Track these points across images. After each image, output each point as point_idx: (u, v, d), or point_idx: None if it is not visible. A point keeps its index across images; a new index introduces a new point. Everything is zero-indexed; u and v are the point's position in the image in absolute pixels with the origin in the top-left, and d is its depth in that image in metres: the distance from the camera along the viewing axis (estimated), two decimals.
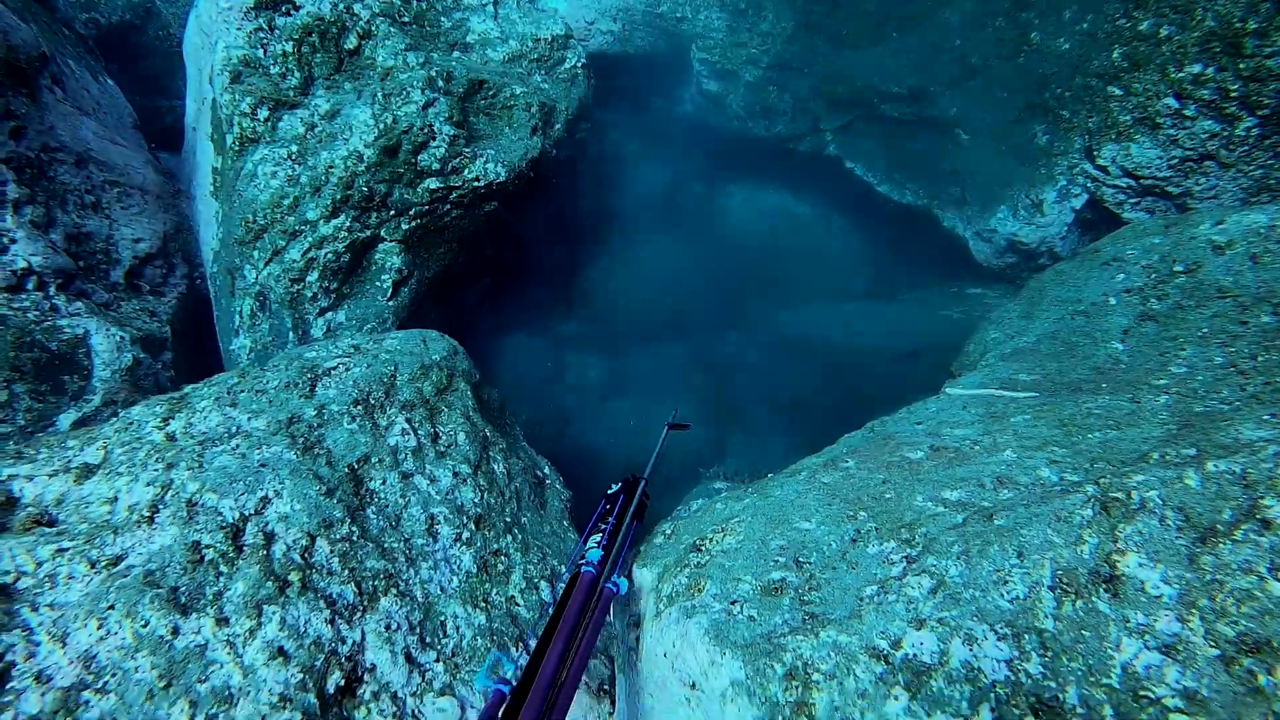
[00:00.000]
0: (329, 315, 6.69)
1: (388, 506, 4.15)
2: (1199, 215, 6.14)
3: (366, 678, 3.60)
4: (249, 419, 4.18)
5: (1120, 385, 4.59)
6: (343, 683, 3.51)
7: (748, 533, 3.41)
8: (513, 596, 4.39)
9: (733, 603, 3.12)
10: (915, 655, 2.73)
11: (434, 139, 6.81)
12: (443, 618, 3.98)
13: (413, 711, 3.66)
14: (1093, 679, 2.62)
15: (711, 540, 3.47)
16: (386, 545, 3.99)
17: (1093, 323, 5.62)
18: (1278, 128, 7.31)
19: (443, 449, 4.59)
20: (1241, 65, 7.07)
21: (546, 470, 5.44)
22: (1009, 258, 8.24)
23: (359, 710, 3.53)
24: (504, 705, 2.56)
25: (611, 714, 4.11)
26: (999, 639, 2.69)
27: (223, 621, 3.38)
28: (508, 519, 4.59)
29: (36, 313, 7.12)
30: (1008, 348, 5.61)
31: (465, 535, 4.30)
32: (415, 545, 4.11)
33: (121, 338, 7.39)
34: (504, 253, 8.54)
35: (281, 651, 3.39)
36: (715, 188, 10.26)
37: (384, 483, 4.21)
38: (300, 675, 3.38)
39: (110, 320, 7.70)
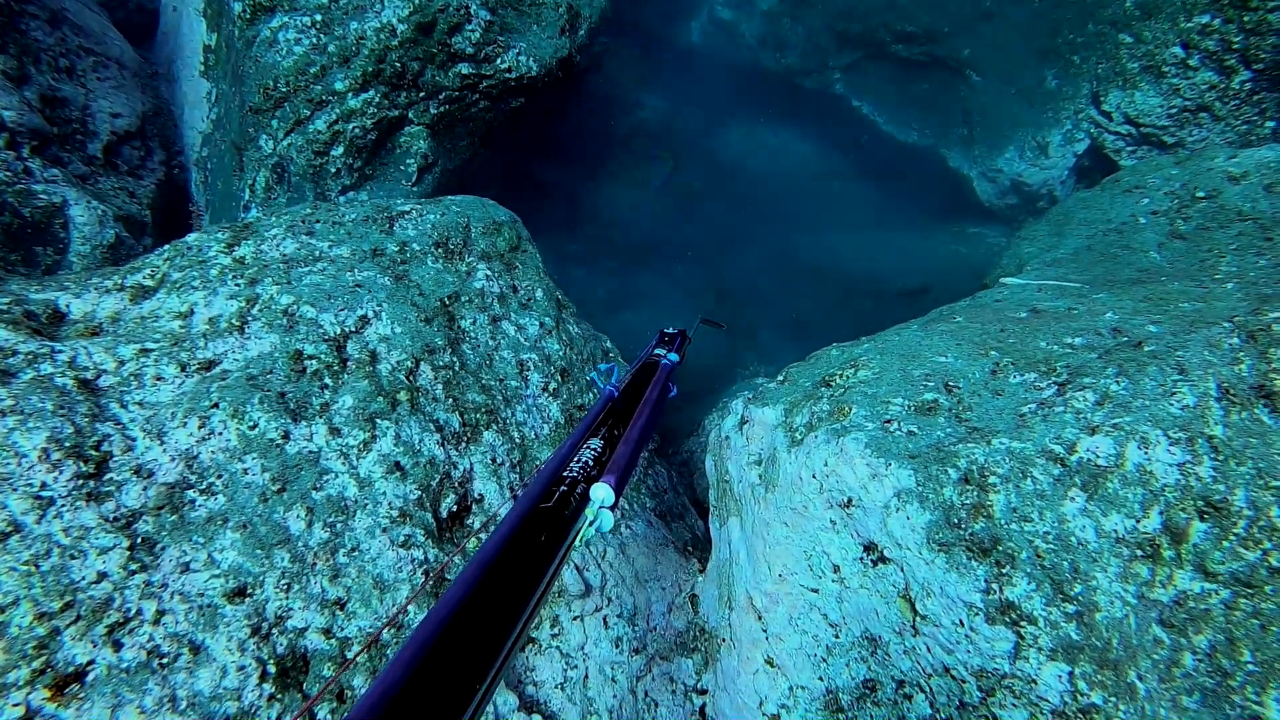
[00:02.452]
0: (350, 195, 6.33)
1: (480, 346, 3.96)
2: (1211, 150, 6.43)
3: (475, 508, 3.43)
4: (330, 246, 3.91)
5: (1179, 277, 4.77)
6: (455, 508, 3.34)
7: (882, 366, 3.38)
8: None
9: (887, 421, 3.09)
10: (1091, 459, 2.76)
11: (469, 21, 6.51)
12: (538, 461, 3.83)
13: None
14: (1261, 482, 2.70)
15: (843, 375, 3.43)
16: (485, 382, 3.81)
17: (1126, 238, 5.83)
18: (1267, 84, 7.71)
19: (524, 300, 4.41)
20: (1246, 18, 7.42)
21: (609, 344, 5.31)
22: (1011, 198, 8.48)
23: (470, 540, 3.36)
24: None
25: (702, 571, 4.05)
26: (1172, 443, 2.74)
27: (335, 431, 3.15)
28: (587, 378, 4.44)
29: (8, 173, 6.51)
30: (1047, 258, 5.77)
31: (552, 386, 4.15)
32: (510, 387, 3.94)
33: (104, 212, 6.84)
34: (519, 160, 8.28)
35: (399, 467, 3.19)
36: (722, 118, 10.20)
37: (474, 323, 4.01)
38: (418, 492, 3.19)
39: (90, 193, 7.11)
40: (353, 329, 3.46)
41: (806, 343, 7.63)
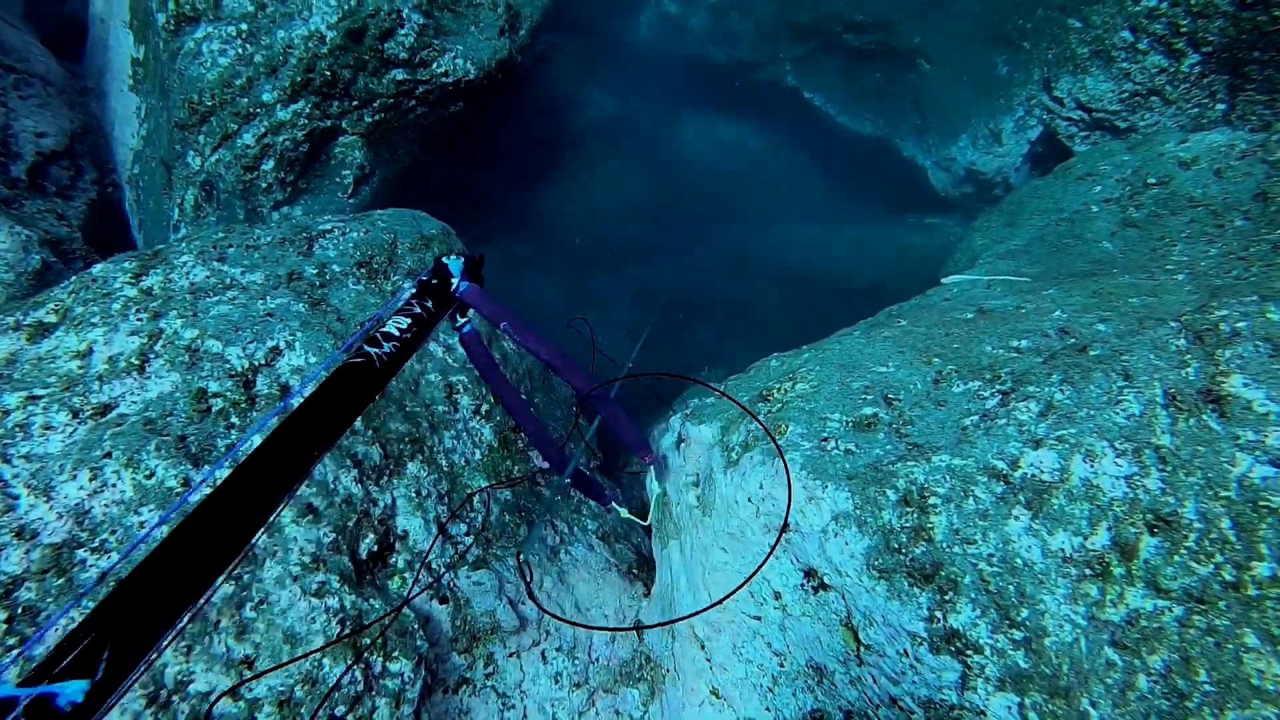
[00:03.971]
0: (285, 210, 6.09)
1: (405, 370, 3.76)
2: (1162, 135, 6.37)
3: (399, 545, 3.25)
4: (243, 273, 3.70)
5: (1131, 269, 4.68)
6: (376, 548, 3.15)
7: (821, 378, 3.24)
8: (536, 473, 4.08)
9: (824, 439, 2.95)
10: (1035, 474, 2.63)
11: (402, 25, 6.28)
12: (469, 490, 3.65)
13: (448, 583, 3.34)
14: (1210, 492, 2.59)
15: (781, 389, 3.28)
16: (409, 409, 3.62)
17: (1078, 227, 5.74)
18: (1216, 67, 7.66)
19: None
20: (1193, 1, 7.36)
21: None
22: (966, 187, 8.39)
23: (393, 579, 3.18)
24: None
25: (647, 594, 3.89)
26: (1118, 455, 2.62)
27: None
28: (523, 396, 4.26)
29: None
30: (1000, 249, 5.67)
31: (484, 408, 3.96)
32: (437, 413, 3.75)
33: (28, 237, 6.55)
34: (463, 166, 8.06)
35: (311, 509, 3.00)
36: (672, 115, 10.03)
37: None
38: (333, 535, 3.00)
39: (13, 218, 6.81)
40: (263, 362, 3.26)
41: (763, 346, 7.53)
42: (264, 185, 5.98)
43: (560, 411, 4.59)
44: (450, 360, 3.99)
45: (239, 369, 3.17)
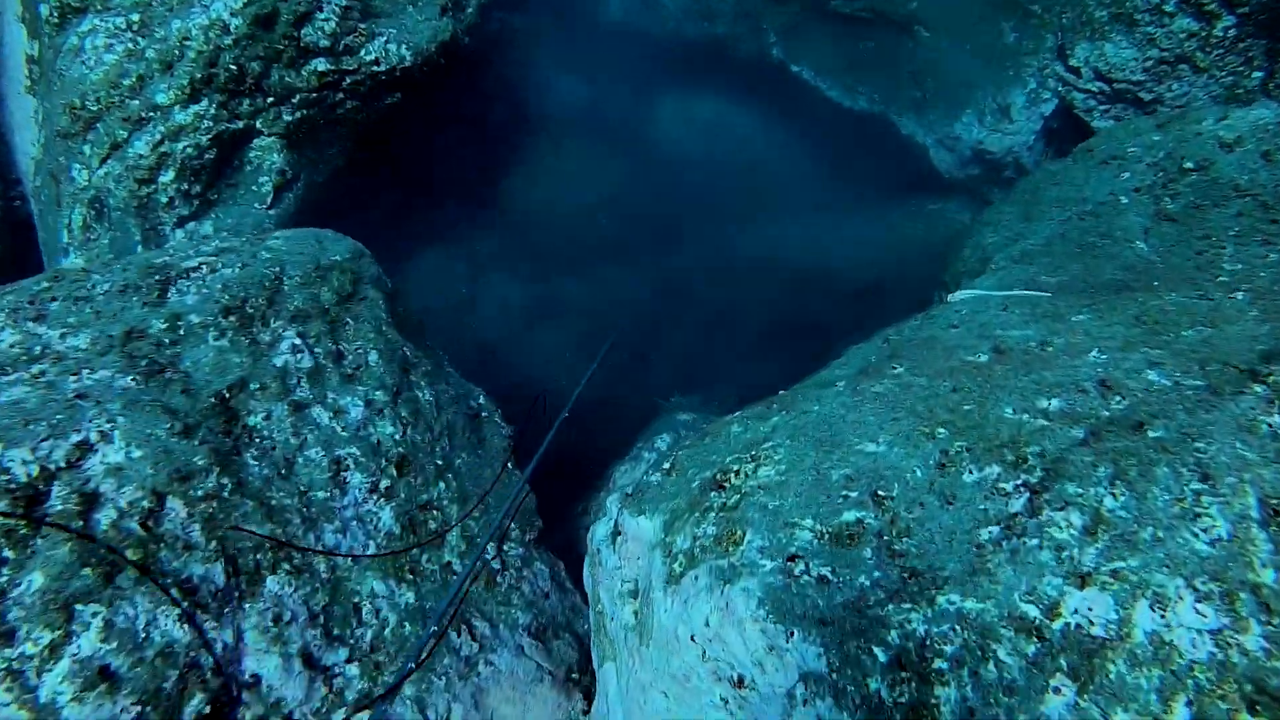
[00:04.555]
0: (191, 227, 5.32)
1: (275, 449, 3.02)
2: (1198, 112, 5.52)
3: (246, 696, 2.51)
4: (63, 335, 2.93)
5: (1175, 283, 3.88)
6: (208, 709, 2.41)
7: (792, 460, 2.47)
8: (449, 563, 3.35)
9: (791, 558, 2.19)
10: (1082, 627, 1.87)
11: (321, 9, 5.46)
12: (356, 598, 2.91)
13: None
14: None
15: (739, 473, 2.52)
16: (274, 502, 2.87)
17: (1106, 223, 4.92)
18: (1253, 30, 6.79)
19: (349, 370, 3.45)
20: None
21: (482, 400, 4.37)
22: (972, 169, 7.56)
23: None
24: None
25: (587, 712, 3.16)
26: (1200, 599, 1.86)
27: (4, 638, 2.20)
28: (439, 461, 3.53)
29: None
30: (1014, 250, 4.86)
31: (385, 484, 3.22)
32: (315, 500, 3.00)
33: None
34: (411, 158, 7.26)
35: (107, 673, 2.25)
36: (648, 98, 9.18)
37: (268, 416, 3.06)
38: (137, 708, 2.25)
39: None
40: (61, 464, 2.50)
41: (745, 366, 6.78)
42: (164, 200, 5.19)
43: (489, 470, 3.84)
44: (339, 427, 3.24)
45: (21, 480, 2.40)
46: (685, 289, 7.55)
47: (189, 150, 5.21)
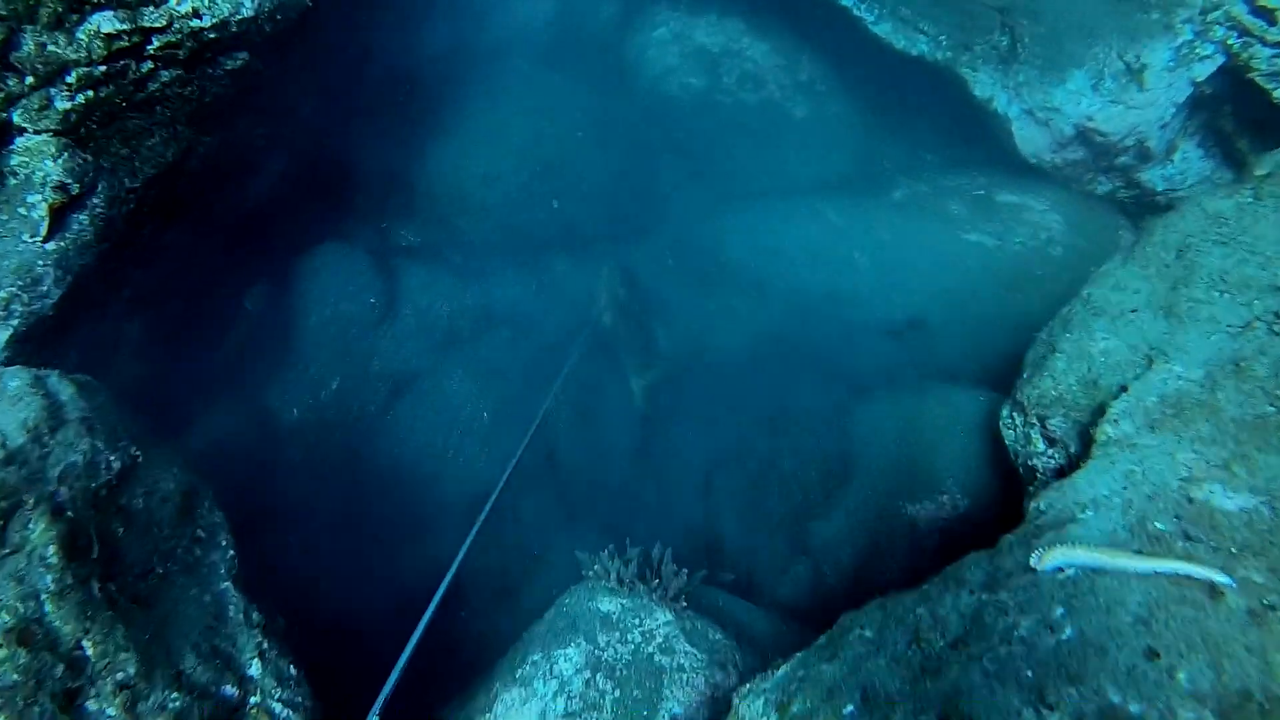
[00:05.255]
0: None
1: None
2: None
3: None
4: None
5: None
6: None
7: None
8: None
9: None
10: None
11: None
12: None
13: None
14: None
15: None
16: None
17: None
18: None
19: None
20: None
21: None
22: (1072, 152, 5.44)
23: None
24: None
25: None
26: None
27: None
28: None
29: None
30: (1151, 395, 2.97)
31: None
32: None
33: None
34: (293, 131, 5.44)
35: None
36: (633, 16, 6.95)
37: None
38: None
39: None
40: None
41: (693, 487, 5.08)
42: None
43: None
44: None
45: None
46: (655, 305, 5.72)
47: None
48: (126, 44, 3.88)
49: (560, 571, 4.42)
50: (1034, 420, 3.36)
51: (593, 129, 6.18)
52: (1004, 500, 4.03)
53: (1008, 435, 3.57)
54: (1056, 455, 3.18)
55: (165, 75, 4.14)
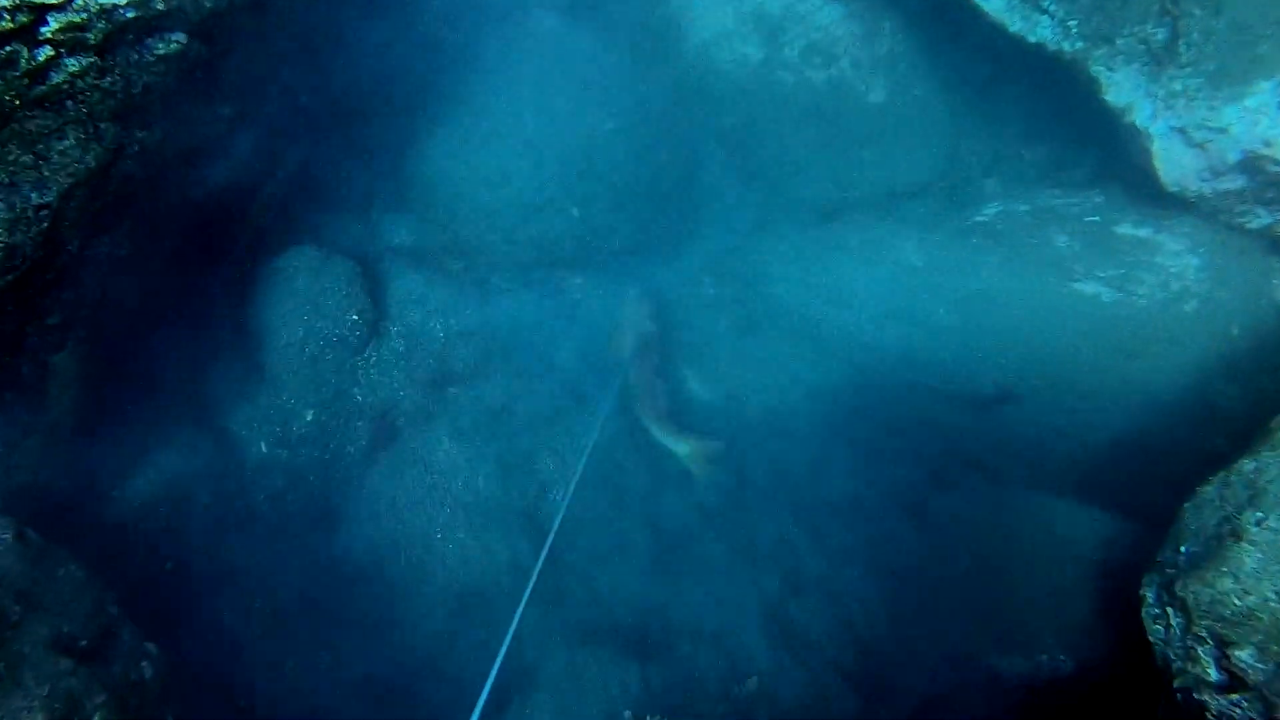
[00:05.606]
0: None
1: None
2: None
3: None
4: None
5: None
6: None
7: None
8: None
9: None
10: None
11: None
12: None
13: None
14: None
15: None
16: None
17: None
18: None
19: None
20: None
21: None
22: (1228, 182, 4.30)
23: None
24: None
25: None
26: None
27: None
28: None
29: None
30: None
31: None
32: None
33: None
34: (266, 106, 4.48)
35: None
36: None
37: None
38: None
39: None
40: None
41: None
42: None
43: None
44: None
45: None
46: (683, 345, 4.76)
47: None
48: (10, 25, 2.95)
49: (550, 694, 3.65)
50: (1204, 636, 2.45)
51: (624, 112, 5.08)
52: (1124, 665, 3.18)
53: (1153, 630, 2.68)
54: (1248, 708, 2.29)
55: (72, 64, 3.21)
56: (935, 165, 5.45)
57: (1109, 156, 5.00)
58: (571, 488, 3.77)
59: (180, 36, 3.45)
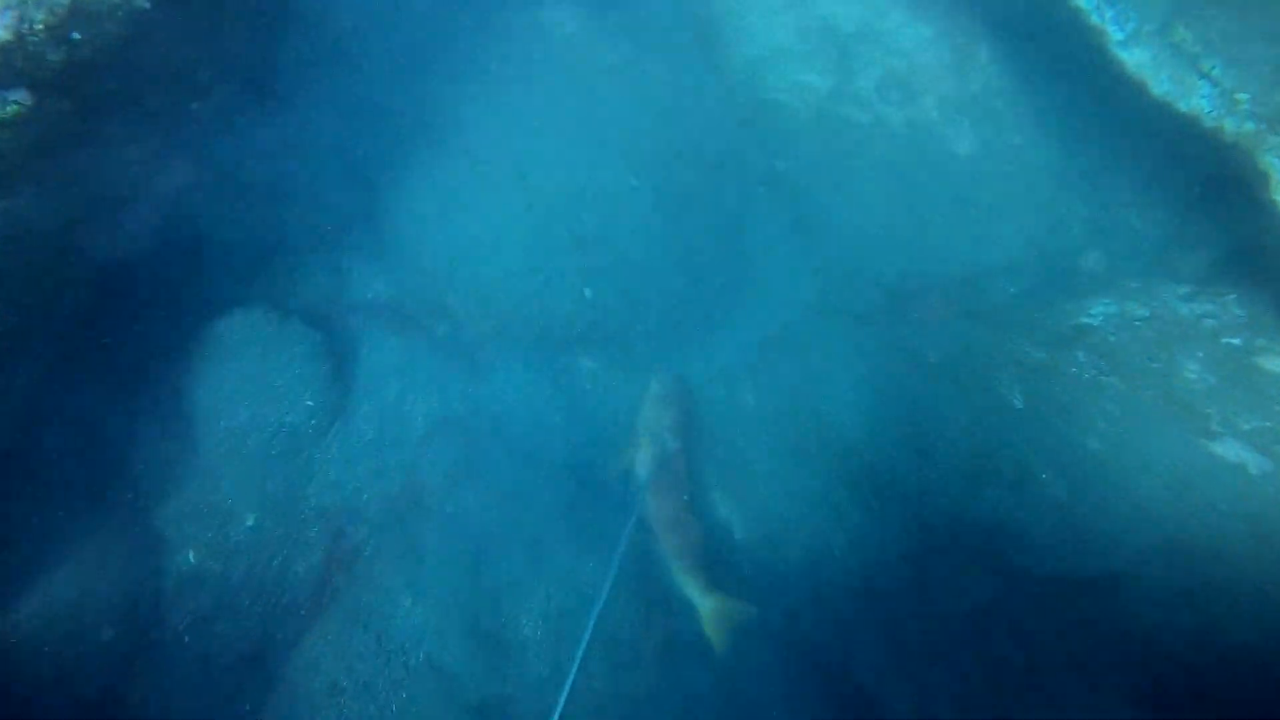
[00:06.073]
0: None
1: None
2: None
3: None
4: None
5: None
6: None
7: None
8: None
9: None
10: None
11: None
12: None
13: None
14: None
15: None
16: None
17: None
18: None
19: None
20: None
21: None
22: None
23: None
24: None
25: None
26: None
27: None
28: None
29: None
30: None
31: None
32: None
33: None
34: (198, 133, 3.56)
35: None
36: None
37: None
38: None
39: None
40: None
41: None
42: None
43: None
44: None
45: None
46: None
47: None
48: None
49: None
50: None
51: (651, 165, 4.06)
52: None
53: None
54: None
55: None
56: (1031, 237, 4.42)
57: (1253, 248, 3.97)
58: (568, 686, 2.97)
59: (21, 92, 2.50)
